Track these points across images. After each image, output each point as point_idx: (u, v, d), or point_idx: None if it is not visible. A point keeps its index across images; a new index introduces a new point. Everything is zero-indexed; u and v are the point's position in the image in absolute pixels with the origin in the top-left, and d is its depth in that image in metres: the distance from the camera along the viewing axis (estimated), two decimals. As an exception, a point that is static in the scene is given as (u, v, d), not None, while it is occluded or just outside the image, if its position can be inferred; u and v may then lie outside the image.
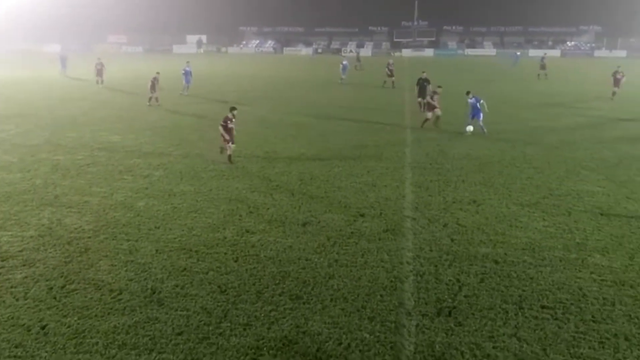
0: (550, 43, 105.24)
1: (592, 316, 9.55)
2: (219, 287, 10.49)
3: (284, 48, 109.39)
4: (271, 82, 49.94)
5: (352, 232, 13.17)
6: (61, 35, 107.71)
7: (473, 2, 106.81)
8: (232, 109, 19.93)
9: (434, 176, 18.07)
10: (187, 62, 41.66)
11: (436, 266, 11.40)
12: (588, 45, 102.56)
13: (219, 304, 9.88)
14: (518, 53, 72.78)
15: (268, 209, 14.83)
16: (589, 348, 8.65)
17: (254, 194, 16.06)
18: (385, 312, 9.64)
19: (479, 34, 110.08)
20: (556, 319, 9.46)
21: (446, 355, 8.46)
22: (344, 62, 50.60)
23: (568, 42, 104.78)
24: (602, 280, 10.87)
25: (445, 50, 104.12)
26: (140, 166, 19.16)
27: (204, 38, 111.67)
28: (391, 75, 45.49)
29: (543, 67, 54.10)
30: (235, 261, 11.60)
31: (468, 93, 25.60)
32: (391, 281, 10.75)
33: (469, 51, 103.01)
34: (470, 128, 24.60)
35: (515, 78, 55.20)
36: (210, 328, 9.13)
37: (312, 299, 10.05)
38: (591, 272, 11.18)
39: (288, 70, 66.22)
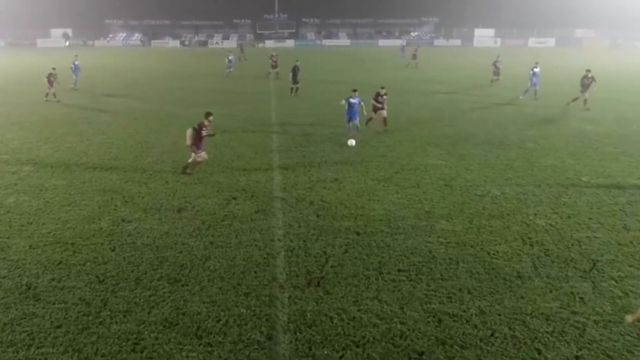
0: (397, 33, 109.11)
1: (441, 275, 10.16)
2: (97, 277, 10.00)
3: (152, 41, 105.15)
4: (140, 74, 47.87)
5: (225, 215, 13.04)
6: None
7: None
8: (208, 114, 16.37)
9: (299, 158, 18.28)
10: (76, 55, 38.82)
11: (305, 241, 11.58)
12: (429, 35, 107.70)
13: (98, 293, 9.43)
14: (404, 44, 72.69)
15: (143, 197, 14.31)
16: (439, 303, 9.21)
17: (128, 184, 15.41)
18: (259, 287, 9.67)
19: (334, 25, 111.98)
20: (411, 280, 9.97)
21: (317, 321, 8.65)
22: (230, 57, 47.39)
23: (412, 33, 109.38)
24: (447, 242, 11.58)
25: (304, 41, 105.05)
26: (8, 162, 17.72)
27: (69, 32, 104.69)
28: (275, 67, 43.04)
29: (414, 57, 55.40)
30: (113, 250, 11.10)
31: (355, 91, 21.14)
32: (264, 258, 10.79)
33: (326, 42, 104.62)
34: (352, 142, 19.83)
35: (368, 67, 56.88)
36: (90, 318, 8.70)
37: (190, 281, 9.87)
38: (438, 237, 11.88)
39: (157, 62, 63.81)
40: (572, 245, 11.49)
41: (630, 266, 10.52)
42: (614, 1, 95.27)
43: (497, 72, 38.76)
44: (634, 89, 35.48)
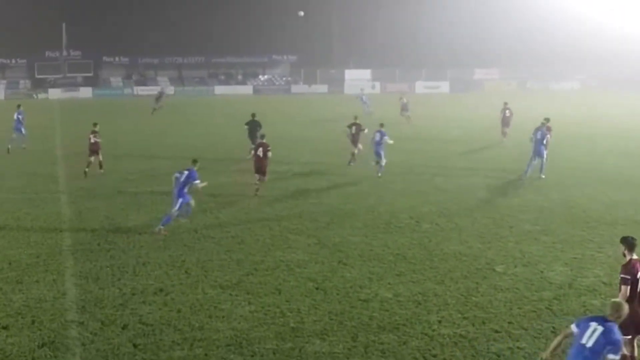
0: (240, 77, 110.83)
1: (317, 419, 10.18)
2: None
3: None
4: None
5: (-8, 355, 12.30)
6: None
7: (139, 26, 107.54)
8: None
9: (106, 261, 17.84)
10: (18, 106, 40.47)
11: (117, 386, 11.18)
12: (284, 79, 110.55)
13: None
14: (364, 96, 67.72)
15: None
16: None
17: None
18: None
19: (150, 66, 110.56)
20: None
21: None
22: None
23: (261, 76, 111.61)
24: (324, 371, 11.70)
25: (107, 89, 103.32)
26: None
27: None
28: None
29: (406, 108, 54.66)
30: None
31: (190, 168, 21.51)
32: (55, 417, 10.23)
33: (140, 90, 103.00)
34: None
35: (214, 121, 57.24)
36: None
37: None
38: (311, 363, 11.98)
39: None
40: (490, 361, 12.08)
41: (565, 385, 11.20)
42: (520, 34, 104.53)
43: (507, 122, 42.17)
44: (552, 146, 38.73)
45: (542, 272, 16.88)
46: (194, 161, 21.59)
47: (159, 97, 67.19)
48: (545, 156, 29.70)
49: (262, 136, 28.38)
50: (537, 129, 30.26)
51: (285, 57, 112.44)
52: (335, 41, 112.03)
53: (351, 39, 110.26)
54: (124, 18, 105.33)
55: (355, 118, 34.74)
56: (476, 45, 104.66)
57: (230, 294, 15.37)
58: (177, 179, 20.99)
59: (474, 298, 15.14)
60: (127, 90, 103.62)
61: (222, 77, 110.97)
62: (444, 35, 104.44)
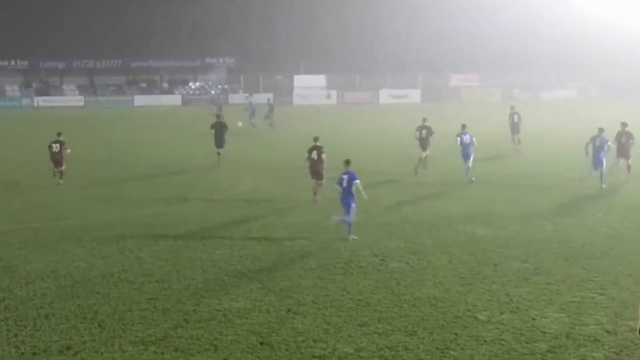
0: (165, 85, 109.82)
1: None
2: None
3: None
4: None
5: None
6: None
7: (40, 22, 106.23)
8: None
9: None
10: None
11: None
12: (219, 87, 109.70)
13: None
14: (253, 105, 69.10)
15: None
16: None
17: None
18: None
19: (54, 71, 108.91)
20: None
21: None
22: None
23: (191, 84, 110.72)
24: None
25: (1, 99, 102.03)
26: None
27: None
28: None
29: (270, 115, 59.01)
30: None
31: (347, 171, 25.16)
32: None
33: (42, 100, 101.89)
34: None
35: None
36: None
37: None
38: None
39: None
40: None
41: None
42: (505, 34, 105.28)
43: (517, 129, 46.74)
44: (546, 171, 38.90)
45: (533, 319, 16.98)
46: (347, 162, 25.19)
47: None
48: (605, 165, 33.11)
49: (316, 139, 31.29)
50: (595, 137, 33.60)
51: (221, 60, 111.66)
52: (282, 41, 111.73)
53: (301, 38, 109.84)
54: (21, 12, 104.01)
55: (424, 120, 38.54)
56: (453, 47, 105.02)
57: (155, 352, 15.26)
58: (343, 188, 24.63)
59: (452, 352, 15.19)
60: (25, 101, 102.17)
61: (144, 85, 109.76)
62: (414, 34, 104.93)
